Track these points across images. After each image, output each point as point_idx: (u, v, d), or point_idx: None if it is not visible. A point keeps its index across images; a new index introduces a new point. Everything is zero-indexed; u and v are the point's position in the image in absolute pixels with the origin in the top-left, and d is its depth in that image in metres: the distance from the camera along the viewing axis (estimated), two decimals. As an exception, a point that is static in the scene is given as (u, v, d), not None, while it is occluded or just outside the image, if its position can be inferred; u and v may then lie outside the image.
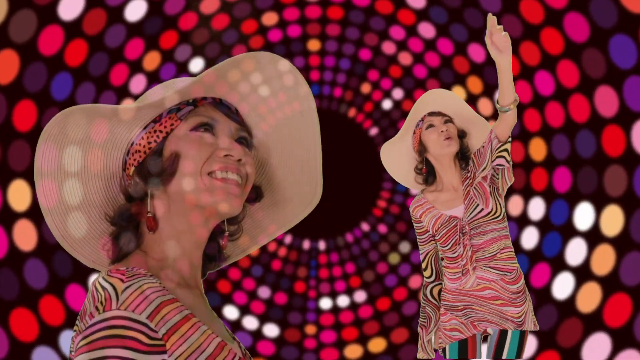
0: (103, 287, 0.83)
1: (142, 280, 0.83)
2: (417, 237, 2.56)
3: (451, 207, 2.46)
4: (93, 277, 3.66)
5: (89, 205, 0.96)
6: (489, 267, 2.39)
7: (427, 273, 2.56)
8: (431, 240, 2.52)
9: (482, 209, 2.40)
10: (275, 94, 0.99)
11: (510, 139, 2.35)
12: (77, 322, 0.85)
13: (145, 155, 0.94)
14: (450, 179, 2.48)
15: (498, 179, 2.44)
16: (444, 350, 2.48)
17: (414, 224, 2.56)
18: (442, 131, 2.42)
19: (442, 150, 2.42)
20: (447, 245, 2.45)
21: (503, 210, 2.44)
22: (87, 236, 0.97)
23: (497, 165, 2.38)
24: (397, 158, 2.59)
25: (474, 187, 2.43)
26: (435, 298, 2.54)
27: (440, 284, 2.55)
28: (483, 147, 2.40)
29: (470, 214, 2.41)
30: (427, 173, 2.52)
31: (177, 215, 0.93)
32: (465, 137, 2.51)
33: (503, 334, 2.42)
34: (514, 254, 2.44)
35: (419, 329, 2.57)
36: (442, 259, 2.52)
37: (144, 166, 0.93)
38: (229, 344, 0.89)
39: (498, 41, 2.06)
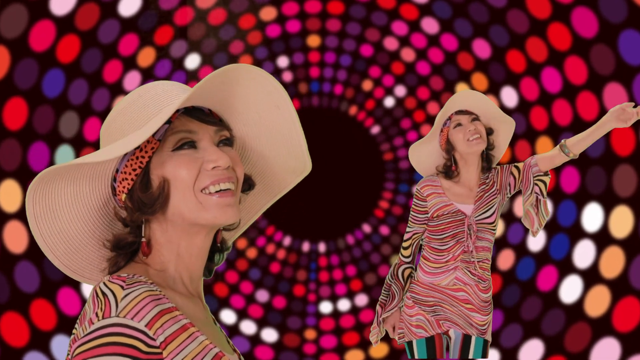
0: (103, 293, 0.84)
1: (143, 288, 0.85)
2: (412, 214, 2.59)
3: (462, 203, 2.53)
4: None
5: (90, 238, 0.98)
6: (469, 271, 2.50)
7: (406, 252, 2.62)
8: (424, 223, 2.57)
9: (489, 216, 2.51)
10: (245, 92, 0.99)
11: (549, 175, 2.50)
12: (75, 327, 0.87)
13: (132, 182, 0.94)
14: (470, 177, 2.55)
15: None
16: (409, 343, 2.56)
17: (415, 201, 2.58)
18: (469, 130, 2.48)
19: (470, 149, 2.49)
20: (441, 235, 2.51)
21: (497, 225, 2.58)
22: (91, 263, 0.99)
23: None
24: (425, 157, 2.66)
25: (500, 202, 2.56)
26: (404, 279, 2.60)
27: (413, 268, 2.62)
28: (517, 168, 2.53)
29: (478, 216, 2.50)
30: (454, 170, 2.58)
31: (176, 234, 0.95)
32: (492, 134, 2.57)
33: (467, 338, 2.52)
34: (490, 267, 2.57)
35: (377, 307, 2.63)
36: (422, 248, 2.59)
37: (135, 195, 0.94)
38: (228, 355, 0.91)
39: (630, 118, 2.33)
